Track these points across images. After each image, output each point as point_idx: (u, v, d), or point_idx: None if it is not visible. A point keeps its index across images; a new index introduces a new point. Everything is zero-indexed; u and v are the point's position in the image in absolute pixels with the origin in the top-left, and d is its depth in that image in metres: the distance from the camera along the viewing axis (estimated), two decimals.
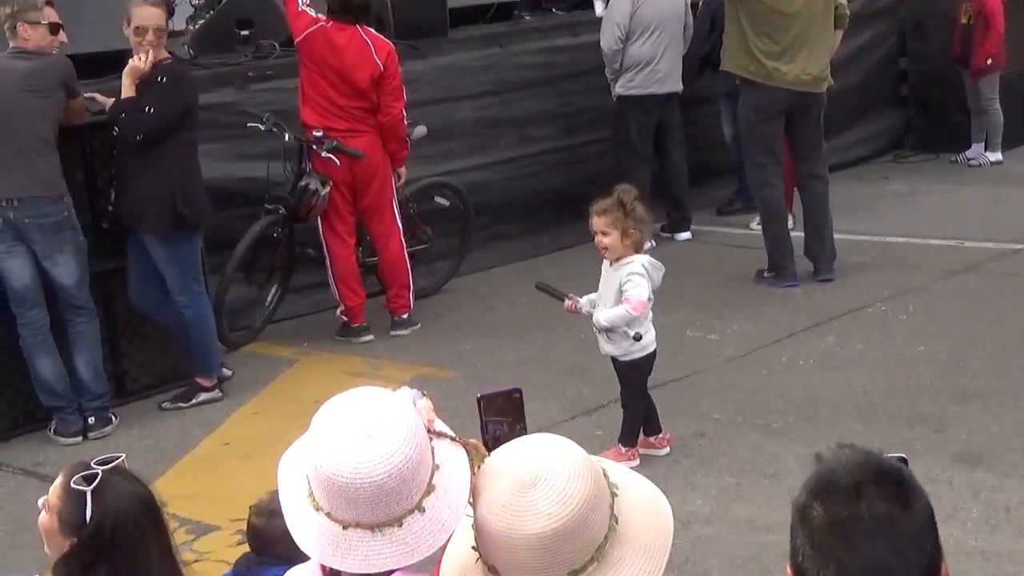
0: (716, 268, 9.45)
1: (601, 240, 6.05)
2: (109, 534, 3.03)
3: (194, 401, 7.42)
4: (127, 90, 7.08)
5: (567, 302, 6.21)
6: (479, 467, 2.29)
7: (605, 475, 2.22)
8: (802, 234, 9.09)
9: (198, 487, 6.30)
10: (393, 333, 8.45)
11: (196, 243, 7.30)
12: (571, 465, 2.15)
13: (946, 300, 8.40)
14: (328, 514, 2.21)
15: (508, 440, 2.40)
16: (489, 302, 9.04)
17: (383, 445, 2.17)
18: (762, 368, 7.44)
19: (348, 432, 2.19)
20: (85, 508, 3.03)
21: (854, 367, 7.34)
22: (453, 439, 2.31)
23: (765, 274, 8.97)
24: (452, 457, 2.28)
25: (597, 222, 6.05)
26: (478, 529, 2.19)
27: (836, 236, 9.06)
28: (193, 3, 10.16)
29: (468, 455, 2.31)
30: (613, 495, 2.20)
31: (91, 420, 7.07)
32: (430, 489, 2.23)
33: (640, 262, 6.00)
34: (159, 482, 6.20)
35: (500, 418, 2.47)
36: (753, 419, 6.71)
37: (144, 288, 7.32)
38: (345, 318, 8.41)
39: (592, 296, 6.20)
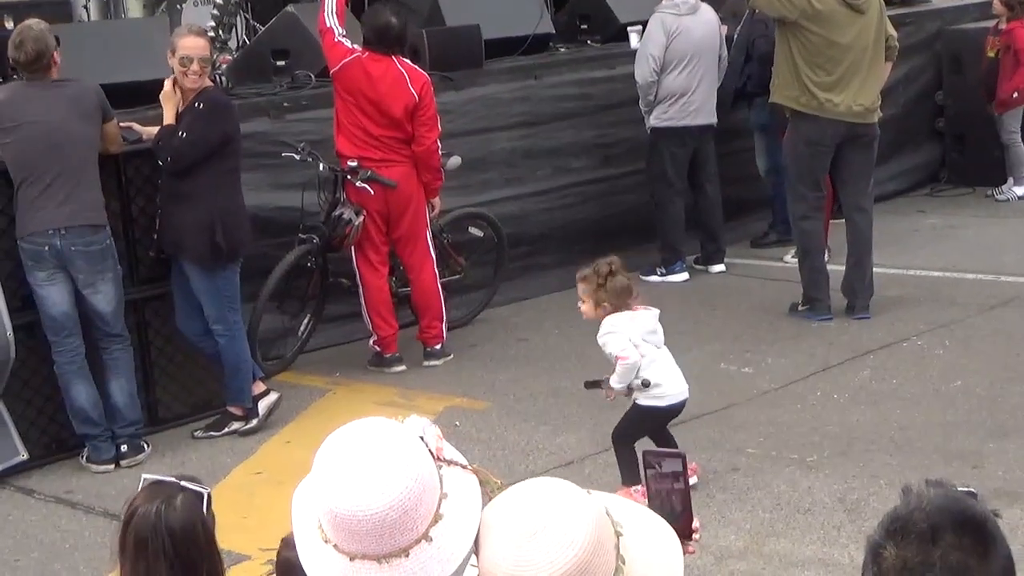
0: (750, 301, 9.41)
1: (580, 305, 6.24)
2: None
3: (226, 430, 7.42)
4: (166, 117, 7.14)
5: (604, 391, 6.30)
6: (492, 496, 2.27)
7: (609, 514, 2.18)
8: (837, 267, 9.03)
9: (229, 516, 6.24)
10: (426, 363, 8.44)
11: (234, 273, 7.31)
12: (571, 510, 2.11)
13: (983, 334, 8.32)
14: (335, 546, 2.19)
15: (668, 498, 2.43)
16: (522, 333, 9.01)
17: (382, 477, 2.15)
18: (797, 402, 7.39)
19: (348, 464, 2.17)
20: None
21: (890, 402, 7.28)
22: (464, 467, 2.29)
23: (800, 307, 8.92)
24: (462, 485, 2.25)
25: (578, 286, 6.24)
26: None
27: (873, 270, 8.98)
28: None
29: (480, 483, 2.28)
30: (618, 535, 2.15)
31: (124, 448, 7.08)
32: (437, 518, 2.19)
33: (608, 323, 6.10)
34: None
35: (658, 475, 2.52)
36: (787, 453, 6.65)
37: (188, 316, 7.36)
38: (378, 348, 8.41)
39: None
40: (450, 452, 2.29)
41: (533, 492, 2.17)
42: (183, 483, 3.18)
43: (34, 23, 6.97)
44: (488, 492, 2.27)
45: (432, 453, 2.24)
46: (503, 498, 2.20)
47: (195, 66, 7.06)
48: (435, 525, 2.19)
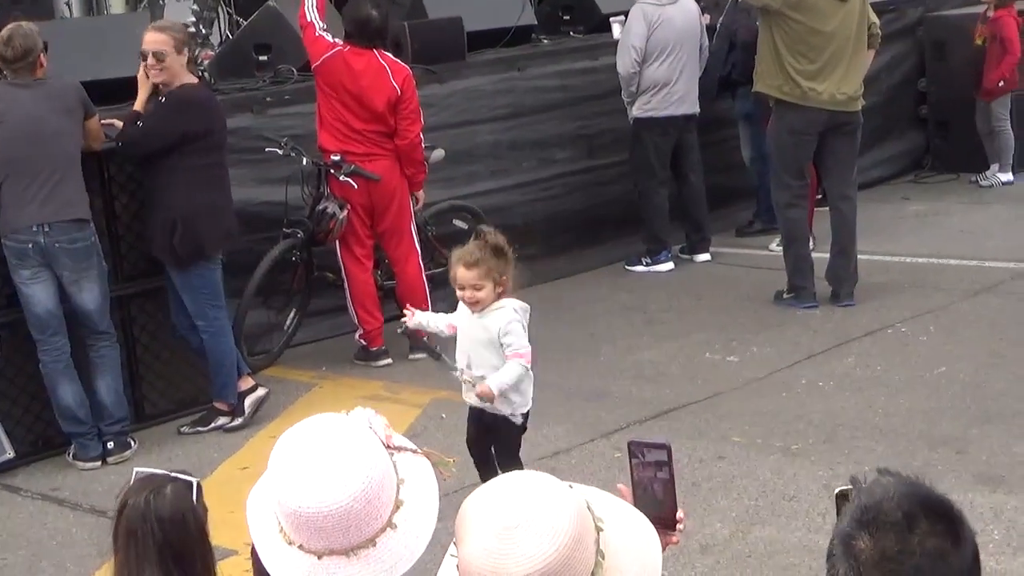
0: (735, 290, 9.43)
1: (474, 295, 5.30)
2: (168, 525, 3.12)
3: (212, 425, 7.42)
4: (137, 102, 7.18)
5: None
6: (447, 476, 2.29)
7: (590, 509, 2.18)
8: (821, 255, 9.05)
9: (216, 511, 6.22)
10: (411, 357, 8.43)
11: (209, 270, 7.26)
12: (552, 504, 2.11)
13: (967, 320, 8.34)
14: (301, 546, 2.20)
15: (649, 487, 2.44)
16: None
17: (340, 472, 2.17)
18: (782, 390, 7.40)
19: (305, 465, 2.19)
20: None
21: (874, 388, 7.30)
22: (414, 451, 2.31)
23: (785, 295, 8.94)
24: (416, 469, 2.29)
25: (467, 275, 5.28)
26: (463, 573, 2.15)
27: (858, 257, 9.01)
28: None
29: (433, 464, 2.31)
30: (599, 530, 2.16)
31: (110, 445, 7.08)
32: (399, 504, 2.23)
33: (511, 307, 5.37)
34: None
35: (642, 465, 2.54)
36: (773, 441, 6.67)
37: (178, 309, 7.38)
38: (363, 342, 8.41)
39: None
40: (399, 439, 2.32)
41: (514, 486, 2.17)
42: (173, 474, 3.23)
43: (24, 23, 7.03)
44: (442, 473, 2.29)
45: (382, 442, 2.26)
46: (484, 491, 2.20)
47: (150, 60, 7.07)
48: (397, 511, 2.22)
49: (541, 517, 2.09)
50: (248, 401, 7.47)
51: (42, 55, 6.89)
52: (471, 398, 5.53)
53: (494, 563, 2.08)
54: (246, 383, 7.52)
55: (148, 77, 7.14)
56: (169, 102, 7.09)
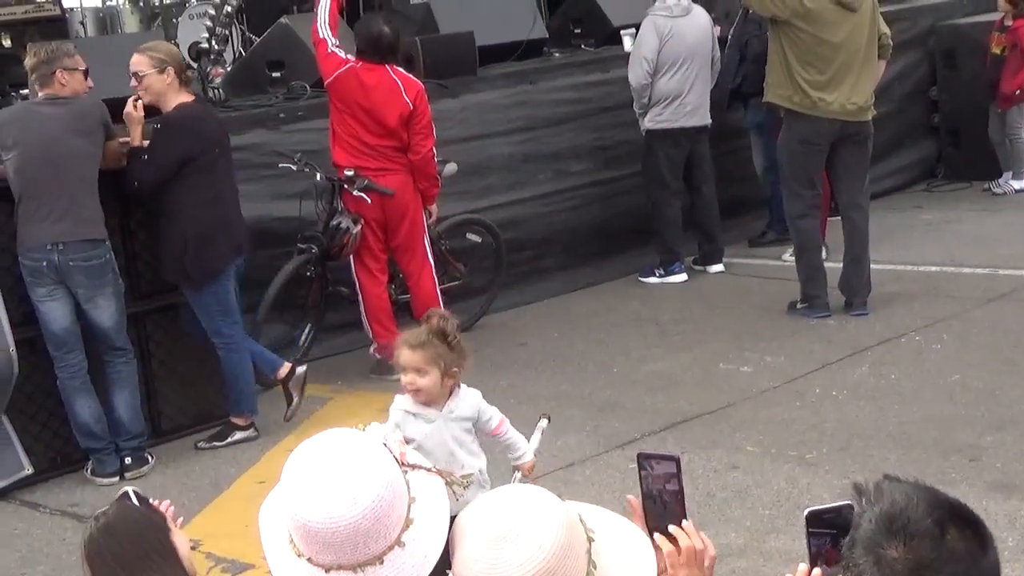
0: (749, 300, 9.44)
1: (415, 381, 4.59)
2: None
3: (229, 440, 7.46)
4: (133, 138, 7.17)
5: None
6: (457, 494, 2.31)
7: (581, 521, 2.22)
8: (834, 264, 9.07)
9: (233, 525, 6.32)
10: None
11: (219, 286, 7.26)
12: (542, 514, 2.16)
13: (981, 328, 8.34)
14: (309, 559, 2.22)
15: (659, 499, 2.47)
16: (522, 337, 9.05)
17: (352, 488, 2.18)
18: (796, 399, 7.41)
19: (317, 478, 2.20)
20: None
21: (888, 397, 7.31)
22: (428, 469, 2.33)
23: (798, 305, 8.95)
24: (429, 488, 2.29)
25: (411, 358, 4.60)
26: None
27: (871, 267, 9.02)
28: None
29: (446, 483, 2.32)
30: (590, 540, 2.20)
31: (128, 460, 7.12)
32: (408, 523, 2.23)
33: (476, 394, 4.79)
34: (195, 521, 6.26)
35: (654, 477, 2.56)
36: (787, 451, 6.68)
37: (194, 324, 7.42)
38: (379, 356, 8.43)
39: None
40: (413, 456, 2.33)
41: (506, 498, 2.23)
42: (132, 490, 3.26)
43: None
44: (454, 492, 2.32)
45: (396, 459, 2.28)
46: (477, 503, 2.25)
47: (133, 81, 7.13)
48: (407, 530, 2.23)
49: (531, 526, 2.14)
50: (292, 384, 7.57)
51: (62, 73, 6.91)
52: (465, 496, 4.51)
53: (487, 572, 2.12)
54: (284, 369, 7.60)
55: (135, 108, 7.15)
56: (162, 128, 7.10)
